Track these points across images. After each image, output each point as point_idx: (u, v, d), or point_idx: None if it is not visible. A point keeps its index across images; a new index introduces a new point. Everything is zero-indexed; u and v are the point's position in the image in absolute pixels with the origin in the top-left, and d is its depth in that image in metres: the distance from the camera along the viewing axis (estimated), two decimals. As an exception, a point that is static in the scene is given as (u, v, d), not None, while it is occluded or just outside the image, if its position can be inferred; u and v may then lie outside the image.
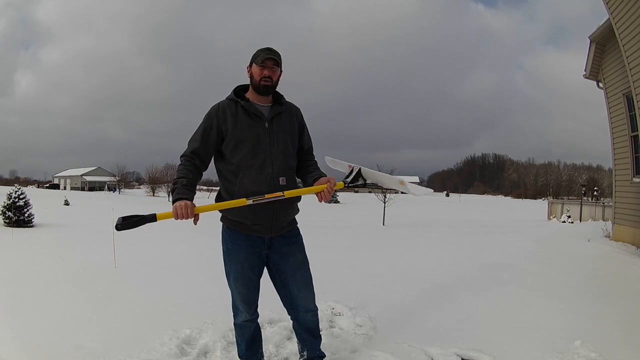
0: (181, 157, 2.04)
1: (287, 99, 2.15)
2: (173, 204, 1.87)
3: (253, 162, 1.98)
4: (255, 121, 2.02)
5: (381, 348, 2.52)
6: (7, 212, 9.95)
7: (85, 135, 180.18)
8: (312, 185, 2.03)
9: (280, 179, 1.99)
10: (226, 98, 2.08)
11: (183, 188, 1.91)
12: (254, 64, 2.03)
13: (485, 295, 3.75)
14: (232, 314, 2.19)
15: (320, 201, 2.06)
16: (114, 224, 1.85)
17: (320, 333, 2.31)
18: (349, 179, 2.16)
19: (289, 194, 1.92)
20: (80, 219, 13.01)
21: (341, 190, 2.22)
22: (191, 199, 1.88)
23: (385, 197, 14.25)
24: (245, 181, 1.96)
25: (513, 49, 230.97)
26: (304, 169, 2.17)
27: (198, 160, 2.02)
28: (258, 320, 2.22)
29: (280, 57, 2.04)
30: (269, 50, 2.02)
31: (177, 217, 1.83)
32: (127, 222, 1.84)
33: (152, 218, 1.86)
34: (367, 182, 2.18)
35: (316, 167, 2.18)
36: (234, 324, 2.20)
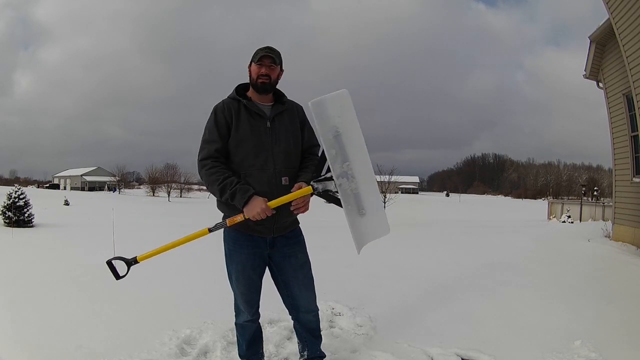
0: (203, 160, 1.96)
1: (287, 98, 2.15)
2: (246, 202, 1.83)
3: (255, 161, 1.97)
4: (257, 120, 2.01)
5: (381, 348, 2.52)
6: (7, 212, 9.95)
7: (85, 135, 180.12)
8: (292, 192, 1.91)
9: (283, 178, 1.99)
10: (228, 97, 2.08)
11: (241, 185, 1.87)
12: (252, 62, 2.04)
13: (486, 295, 3.75)
14: (234, 314, 2.20)
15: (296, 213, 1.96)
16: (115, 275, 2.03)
17: (321, 333, 2.31)
18: (319, 186, 1.88)
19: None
20: (80, 219, 13.01)
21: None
22: (256, 193, 1.87)
23: (385, 197, 14.23)
24: (248, 180, 1.95)
25: (514, 48, 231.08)
26: (299, 170, 2.08)
27: (223, 157, 1.99)
28: (259, 321, 2.22)
29: (279, 55, 2.04)
30: (267, 48, 2.02)
31: (260, 218, 1.84)
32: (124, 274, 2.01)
33: (133, 261, 1.96)
34: (335, 193, 1.87)
35: (307, 169, 2.05)
36: (236, 323, 2.20)
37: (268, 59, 2.00)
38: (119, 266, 1.99)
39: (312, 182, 1.89)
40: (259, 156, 1.98)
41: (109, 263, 1.98)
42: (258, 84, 2.02)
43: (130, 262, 1.95)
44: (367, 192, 1.88)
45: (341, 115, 1.82)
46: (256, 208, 1.82)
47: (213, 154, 1.96)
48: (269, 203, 1.84)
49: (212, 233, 1.89)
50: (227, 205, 1.95)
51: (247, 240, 2.03)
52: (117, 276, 2.00)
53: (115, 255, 1.99)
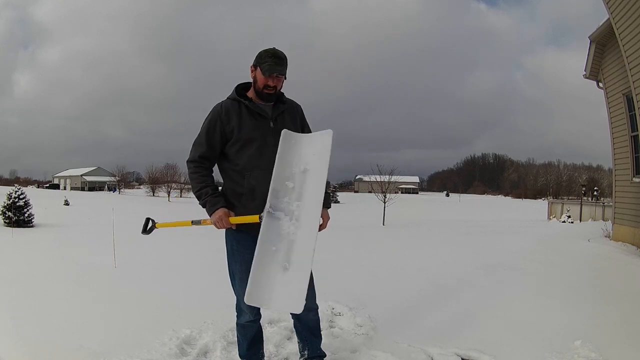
0: (189, 162, 2.05)
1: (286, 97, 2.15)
2: (210, 215, 1.96)
3: (258, 163, 1.98)
4: (259, 121, 2.02)
5: (381, 348, 2.52)
6: (7, 212, 9.96)
7: (85, 135, 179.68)
8: None
9: None
10: (228, 98, 2.07)
11: (212, 198, 1.97)
12: (259, 69, 1.99)
13: (485, 295, 3.75)
14: (235, 314, 2.20)
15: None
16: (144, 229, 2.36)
17: (321, 332, 2.31)
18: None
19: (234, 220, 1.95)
20: (80, 219, 13.02)
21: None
22: (224, 205, 1.96)
23: (385, 197, 14.24)
24: (252, 182, 1.97)
25: (514, 48, 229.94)
26: None
27: (207, 162, 2.04)
28: (259, 321, 2.22)
29: (286, 64, 2.00)
30: (276, 59, 1.96)
31: (218, 227, 1.98)
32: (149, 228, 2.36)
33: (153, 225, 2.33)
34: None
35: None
36: (237, 324, 2.20)
37: (276, 73, 1.98)
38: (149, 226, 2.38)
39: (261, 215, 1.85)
40: (262, 157, 1.98)
41: (147, 219, 2.39)
42: (263, 93, 2.02)
43: (153, 226, 2.36)
44: (303, 245, 1.71)
45: (317, 153, 1.78)
46: (218, 221, 1.95)
47: (196, 159, 2.03)
48: (232, 219, 1.94)
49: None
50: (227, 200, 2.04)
51: (251, 240, 2.02)
52: (144, 231, 2.36)
53: (151, 218, 2.40)
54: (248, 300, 1.72)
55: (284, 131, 1.90)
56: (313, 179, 1.78)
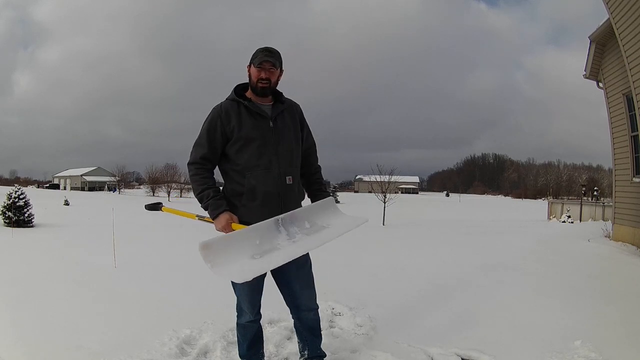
0: (190, 164, 2.03)
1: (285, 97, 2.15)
2: (214, 218, 1.94)
3: (259, 162, 1.98)
4: (259, 121, 2.02)
5: (381, 348, 2.52)
6: (7, 212, 9.96)
7: (85, 135, 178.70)
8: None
9: (287, 178, 2.01)
10: (227, 98, 2.07)
11: (215, 200, 1.95)
12: (252, 65, 2.02)
13: (485, 295, 3.75)
14: (236, 314, 2.20)
15: None
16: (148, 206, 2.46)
17: (321, 332, 2.31)
18: None
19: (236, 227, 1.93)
20: (80, 219, 13.02)
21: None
22: (228, 209, 1.94)
23: (385, 197, 14.24)
24: (252, 182, 1.98)
25: (514, 48, 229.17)
26: (308, 177, 2.21)
27: (209, 164, 2.03)
28: (260, 321, 2.22)
29: (279, 57, 2.02)
30: (266, 52, 2.00)
31: (220, 230, 1.95)
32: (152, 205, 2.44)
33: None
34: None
35: (321, 181, 2.26)
36: (237, 324, 2.21)
37: (268, 64, 1.99)
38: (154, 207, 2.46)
39: None
40: (262, 157, 1.99)
41: (158, 202, 2.49)
42: (258, 87, 2.02)
43: (159, 208, 2.43)
44: (283, 254, 1.80)
45: (344, 227, 2.01)
46: (219, 224, 1.92)
47: (198, 160, 2.01)
48: (234, 225, 1.92)
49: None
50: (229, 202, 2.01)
51: None
52: (148, 206, 2.47)
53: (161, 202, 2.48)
54: (201, 248, 1.67)
55: (329, 198, 2.11)
56: (327, 233, 1.96)
